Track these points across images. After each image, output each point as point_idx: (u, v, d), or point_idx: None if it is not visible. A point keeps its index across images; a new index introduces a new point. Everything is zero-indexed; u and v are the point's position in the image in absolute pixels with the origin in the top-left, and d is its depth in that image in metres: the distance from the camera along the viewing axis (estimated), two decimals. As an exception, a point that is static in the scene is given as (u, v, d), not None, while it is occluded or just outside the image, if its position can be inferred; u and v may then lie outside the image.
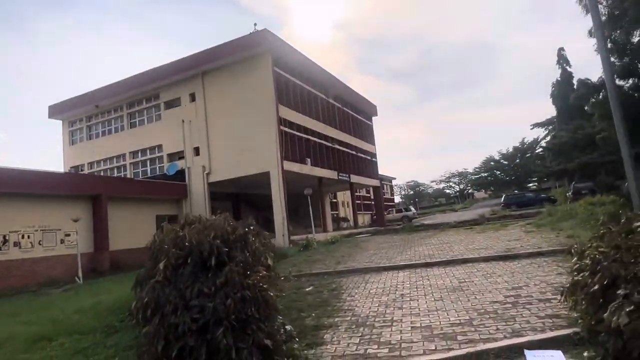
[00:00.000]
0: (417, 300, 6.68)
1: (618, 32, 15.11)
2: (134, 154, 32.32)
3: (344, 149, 35.28)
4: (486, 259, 9.51)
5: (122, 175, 32.00)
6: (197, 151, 28.76)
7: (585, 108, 56.90)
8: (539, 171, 53.47)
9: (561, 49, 58.17)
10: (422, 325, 5.42)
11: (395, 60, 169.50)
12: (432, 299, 6.62)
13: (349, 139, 36.42)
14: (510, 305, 5.67)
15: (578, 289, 4.32)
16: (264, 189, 26.47)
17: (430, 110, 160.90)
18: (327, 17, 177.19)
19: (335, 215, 47.17)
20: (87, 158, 34.04)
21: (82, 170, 33.67)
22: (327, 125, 32.50)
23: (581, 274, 4.46)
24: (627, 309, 3.24)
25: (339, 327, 5.78)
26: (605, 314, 3.55)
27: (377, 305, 6.77)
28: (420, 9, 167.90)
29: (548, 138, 66.08)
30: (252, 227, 5.03)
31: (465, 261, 9.63)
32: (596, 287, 3.75)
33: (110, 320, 7.39)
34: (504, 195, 47.89)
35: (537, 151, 71.62)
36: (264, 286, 4.22)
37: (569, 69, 57.66)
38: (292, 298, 7.85)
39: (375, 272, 9.93)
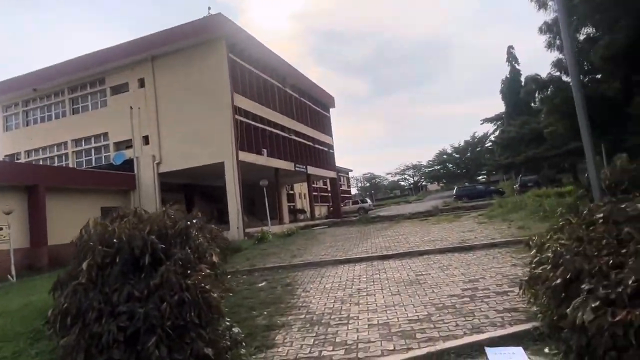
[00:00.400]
0: (374, 295, 6.43)
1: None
2: (76, 142, 30.26)
3: (301, 140, 34.83)
4: (442, 251, 9.47)
5: (64, 165, 29.89)
6: (146, 140, 27.31)
7: (532, 105, 59.80)
8: (488, 164, 55.57)
9: (510, 47, 60.52)
10: (380, 322, 5.16)
11: (352, 54, 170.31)
12: (390, 294, 6.40)
13: (306, 130, 36.00)
14: (468, 299, 5.53)
15: (539, 282, 4.19)
16: (218, 180, 25.61)
17: (386, 104, 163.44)
18: (285, 7, 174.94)
19: (292, 207, 46.76)
20: (24, 146, 31.53)
21: (18, 159, 31.17)
22: (284, 116, 31.89)
23: (541, 267, 4.33)
24: (592, 305, 3.08)
25: (292, 327, 5.42)
26: (568, 310, 3.39)
27: (332, 301, 6.46)
28: (377, 4, 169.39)
29: (497, 133, 68.89)
30: (195, 220, 4.50)
31: (421, 253, 9.55)
32: (558, 281, 3.60)
33: (38, 325, 6.61)
34: (455, 188, 49.44)
35: (486, 145, 74.38)
36: (206, 287, 3.76)
37: (517, 66, 60.15)
38: (244, 295, 7.40)
39: (332, 265, 9.65)
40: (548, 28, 15.88)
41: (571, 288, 3.50)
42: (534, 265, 4.51)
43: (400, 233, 14.87)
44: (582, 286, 3.31)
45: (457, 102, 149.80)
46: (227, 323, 4.43)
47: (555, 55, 16.35)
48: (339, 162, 48.82)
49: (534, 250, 4.81)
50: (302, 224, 30.59)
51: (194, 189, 36.54)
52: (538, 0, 14.55)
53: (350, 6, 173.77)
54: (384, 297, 6.27)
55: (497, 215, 15.73)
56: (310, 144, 36.86)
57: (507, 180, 57.82)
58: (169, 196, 39.10)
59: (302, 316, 5.83)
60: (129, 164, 27.45)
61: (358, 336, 4.78)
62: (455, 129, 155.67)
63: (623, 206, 3.52)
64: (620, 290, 2.98)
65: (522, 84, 59.94)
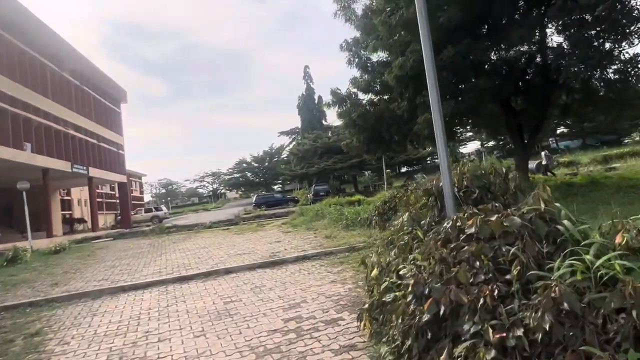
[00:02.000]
0: (170, 341, 4.71)
1: (362, 51, 16.79)
2: None
3: (82, 135, 29.21)
4: (251, 267, 8.26)
5: None
6: None
7: (323, 122, 65.81)
8: (285, 174, 58.24)
9: (307, 67, 65.74)
10: (177, 389, 3.53)
11: (149, 51, 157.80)
12: (192, 336, 4.77)
13: (89, 125, 30.43)
14: (294, 335, 4.39)
15: (388, 314, 3.34)
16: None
17: (186, 109, 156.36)
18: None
19: (67, 215, 38.96)
20: None
21: None
22: (59, 105, 26.05)
23: (390, 294, 3.51)
24: (488, 357, 2.28)
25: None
26: (443, 358, 2.56)
27: (105, 358, 4.45)
28: (182, 4, 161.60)
29: (292, 145, 73.43)
30: None
31: (228, 271, 8.14)
32: (426, 317, 2.76)
33: None
34: (255, 196, 49.89)
35: (283, 156, 78.32)
36: None
37: (312, 85, 65.51)
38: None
39: (110, 295, 7.32)
40: (348, 46, 16.80)
41: (444, 327, 2.70)
42: (379, 291, 3.69)
43: (201, 246, 13.14)
44: (465, 327, 2.51)
45: (256, 113, 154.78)
46: None
47: (353, 72, 17.50)
48: (131, 165, 43.35)
49: (375, 271, 4.02)
50: (79, 236, 25.36)
51: None
52: (345, 14, 15.16)
53: (154, 0, 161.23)
54: (183, 342, 4.61)
55: (300, 224, 15.64)
56: (95, 141, 31.33)
57: (301, 189, 61.89)
58: None
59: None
60: None
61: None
62: (253, 140, 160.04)
63: (493, 219, 2.93)
64: (521, 334, 2.24)
65: (316, 101, 65.70)
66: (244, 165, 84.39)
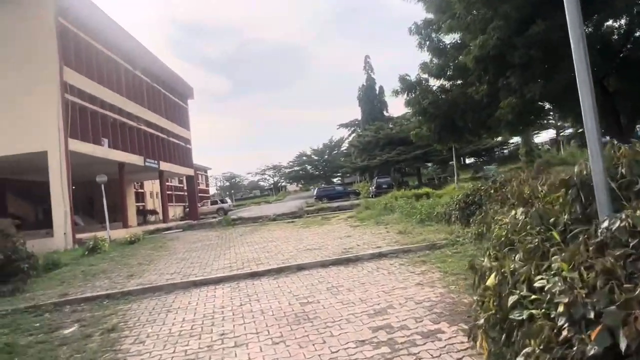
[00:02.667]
0: (247, 347, 4.30)
1: (434, 34, 15.67)
2: None
3: (154, 131, 30.47)
4: (324, 264, 7.76)
5: None
6: None
7: (385, 112, 64.27)
8: (346, 166, 57.63)
9: (367, 57, 64.22)
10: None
11: (212, 50, 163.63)
12: (270, 342, 4.34)
13: (160, 121, 31.71)
14: (388, 350, 3.80)
15: (524, 338, 2.63)
16: (43, 174, 20.22)
17: (247, 103, 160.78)
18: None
19: (141, 207, 41.28)
20: None
21: None
22: (132, 102, 27.29)
23: (518, 311, 2.80)
24: None
25: None
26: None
27: (180, 361, 4.14)
28: (239, 2, 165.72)
29: (352, 137, 72.68)
30: None
31: (300, 268, 7.71)
32: (594, 351, 2.04)
33: None
34: (316, 189, 49.91)
35: (342, 149, 77.80)
36: None
37: (372, 75, 64.07)
38: (32, 356, 4.55)
39: (183, 289, 7.16)
40: (417, 29, 15.76)
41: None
42: (503, 305, 2.97)
43: (268, 239, 12.93)
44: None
45: (314, 106, 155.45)
46: None
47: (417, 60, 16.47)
48: (197, 160, 44.91)
49: (492, 279, 3.30)
50: (152, 227, 26.58)
51: (8, 185, 29.14)
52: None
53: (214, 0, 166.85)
54: (262, 349, 4.18)
55: (368, 218, 14.98)
56: (165, 136, 32.62)
57: (362, 182, 61.08)
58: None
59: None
60: None
61: None
62: (312, 133, 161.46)
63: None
64: None
65: (377, 92, 64.28)
66: (304, 158, 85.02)
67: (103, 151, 23.12)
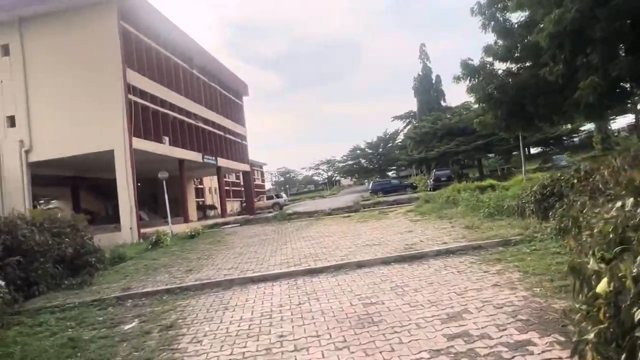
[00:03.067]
0: (307, 352, 3.95)
1: (499, 14, 14.52)
2: None
3: (211, 128, 31.24)
4: (386, 261, 7.28)
5: None
6: (11, 121, 21.98)
7: (442, 102, 61.90)
8: (402, 159, 56.13)
9: (422, 45, 62.10)
10: None
11: (265, 47, 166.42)
12: (333, 347, 3.95)
13: (217, 118, 32.46)
14: (469, 363, 3.29)
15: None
16: (111, 172, 21.31)
17: (300, 99, 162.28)
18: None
19: (200, 202, 42.77)
20: None
21: None
22: (190, 100, 28.08)
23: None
24: None
25: None
26: None
27: (238, 365, 3.87)
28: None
29: (407, 129, 70.77)
30: None
31: (360, 265, 7.27)
32: None
33: None
34: (371, 182, 49.11)
35: (397, 141, 76.05)
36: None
37: (429, 64, 61.82)
38: (90, 357, 4.50)
39: (241, 286, 6.98)
40: (480, 9, 14.66)
41: None
42: (621, 318, 2.38)
43: (324, 233, 12.61)
44: None
45: (367, 100, 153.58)
46: None
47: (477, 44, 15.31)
48: (253, 156, 45.74)
49: (603, 286, 2.70)
50: (211, 221, 27.31)
51: (83, 183, 31.21)
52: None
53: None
54: (324, 355, 3.81)
55: (429, 212, 14.24)
56: (221, 133, 33.37)
57: (418, 175, 59.36)
58: (49, 191, 33.12)
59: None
60: (-12, 152, 21.95)
61: None
62: (365, 127, 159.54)
63: None
64: None
65: (433, 81, 62.05)
66: (358, 151, 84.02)
67: (164, 149, 23.94)
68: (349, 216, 17.97)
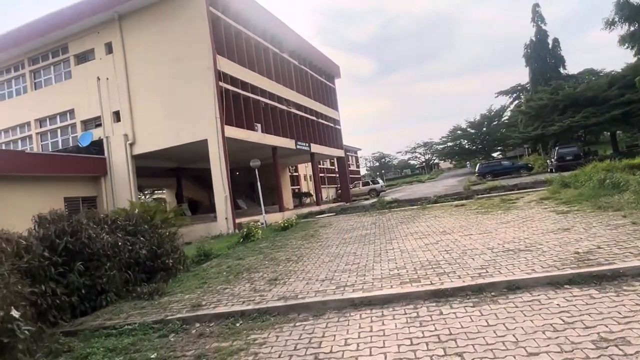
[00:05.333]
0: None
1: None
2: (40, 121, 25.95)
3: (303, 113, 30.02)
4: (555, 282, 4.78)
5: (29, 149, 25.62)
6: (117, 116, 22.85)
7: (561, 70, 53.79)
8: (513, 137, 49.92)
9: (536, 6, 54.17)
10: None
11: (356, 32, 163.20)
12: None
13: (309, 103, 31.15)
14: None
15: None
16: (208, 162, 21.11)
17: (392, 82, 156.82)
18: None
19: (296, 190, 42.34)
20: (-19, 129, 27.33)
21: (-26, 144, 26.99)
22: (281, 85, 27.02)
23: None
24: None
25: None
26: None
27: None
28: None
29: (513, 105, 63.25)
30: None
31: (512, 286, 4.87)
32: None
33: None
34: (478, 164, 44.52)
35: (504, 119, 68.71)
36: None
37: (544, 27, 53.93)
38: None
39: (337, 311, 5.04)
40: None
41: None
42: None
43: (438, 229, 10.19)
44: None
45: (464, 77, 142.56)
46: None
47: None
48: (346, 141, 43.94)
49: None
50: (305, 210, 26.19)
51: (186, 173, 32.29)
52: None
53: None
54: None
55: (577, 200, 10.93)
56: (314, 118, 32.03)
57: (531, 154, 52.68)
58: (155, 182, 34.82)
59: None
60: (98, 146, 23.12)
61: None
62: (463, 106, 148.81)
63: None
64: None
65: (550, 46, 54.15)
66: (459, 132, 77.71)
67: (257, 136, 23.14)
68: (462, 205, 15.14)
